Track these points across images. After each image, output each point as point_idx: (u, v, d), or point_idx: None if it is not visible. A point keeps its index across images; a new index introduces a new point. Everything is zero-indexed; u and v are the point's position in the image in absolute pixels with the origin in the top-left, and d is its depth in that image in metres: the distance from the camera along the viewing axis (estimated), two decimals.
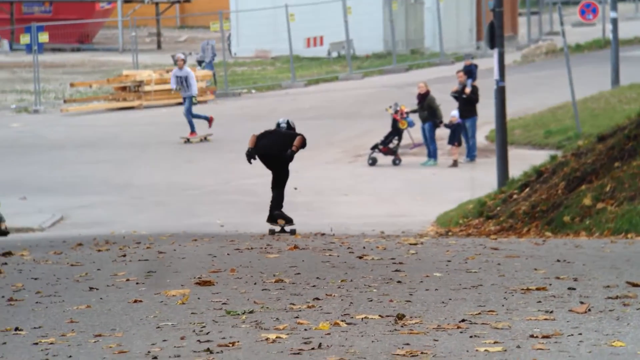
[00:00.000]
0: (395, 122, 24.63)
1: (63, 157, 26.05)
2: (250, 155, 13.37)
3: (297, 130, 14.00)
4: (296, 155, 14.05)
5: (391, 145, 24.39)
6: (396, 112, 24.66)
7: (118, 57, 43.26)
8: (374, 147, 24.45)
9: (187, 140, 27.44)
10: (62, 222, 18.80)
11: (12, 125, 30.84)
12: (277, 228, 13.57)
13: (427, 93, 24.81)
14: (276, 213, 13.49)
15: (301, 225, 14.64)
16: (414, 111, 24.81)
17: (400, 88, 34.94)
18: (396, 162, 24.32)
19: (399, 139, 24.52)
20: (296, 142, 13.41)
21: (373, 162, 24.31)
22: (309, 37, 40.48)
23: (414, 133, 25.01)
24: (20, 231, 17.43)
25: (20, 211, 18.59)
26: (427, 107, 24.61)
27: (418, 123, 24.82)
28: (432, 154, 24.44)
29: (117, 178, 23.29)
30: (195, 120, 27.85)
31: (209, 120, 27.83)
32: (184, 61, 28.19)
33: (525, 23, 46.04)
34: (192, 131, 27.64)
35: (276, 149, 13.38)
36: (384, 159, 24.42)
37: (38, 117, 32.13)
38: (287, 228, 13.55)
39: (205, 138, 27.61)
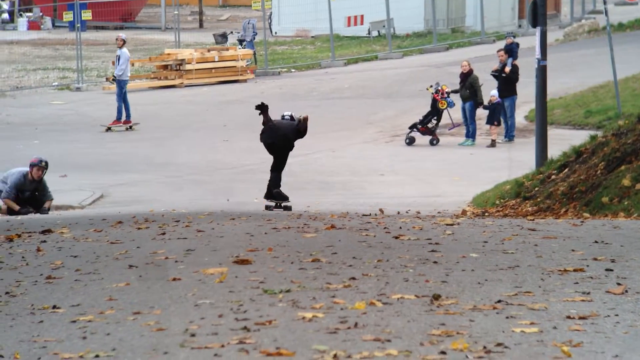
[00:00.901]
0: (434, 102, 24.54)
1: (104, 135, 26.23)
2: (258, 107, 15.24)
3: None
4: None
5: (430, 125, 24.31)
6: (437, 91, 24.56)
7: (160, 36, 43.42)
8: (412, 127, 24.39)
9: (108, 129, 26.05)
10: (102, 200, 18.95)
11: (54, 102, 31.09)
12: (273, 204, 15.06)
13: (470, 72, 24.68)
14: (275, 191, 15.00)
15: (337, 204, 14.67)
16: (455, 91, 24.70)
17: (439, 67, 34.81)
18: (433, 142, 24.24)
19: (438, 119, 24.43)
20: (301, 126, 15.08)
21: (410, 141, 24.26)
22: (349, 16, 40.38)
23: (454, 113, 24.91)
24: (60, 208, 17.60)
25: (60, 189, 18.75)
26: (469, 86, 24.50)
27: (458, 103, 24.71)
28: (471, 134, 24.35)
29: (157, 156, 23.44)
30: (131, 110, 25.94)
31: (125, 122, 26.19)
32: (124, 41, 26.80)
33: (569, 1, 45.64)
34: (117, 119, 26.26)
35: (285, 140, 14.98)
36: (422, 139, 24.36)
37: (80, 95, 32.36)
38: (283, 204, 14.98)
39: (131, 127, 26.27)
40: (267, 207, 15.05)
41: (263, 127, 15.24)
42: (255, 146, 24.88)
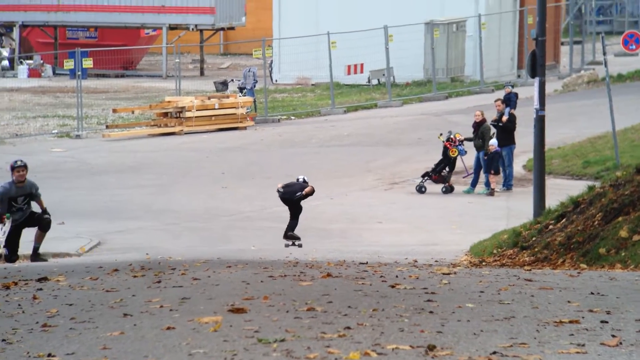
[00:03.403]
0: (446, 150, 24.55)
1: (103, 182, 26.27)
2: (280, 192, 19.59)
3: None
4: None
5: (442, 173, 24.31)
6: (448, 139, 24.58)
7: (161, 83, 43.63)
8: (425, 175, 24.36)
9: None
10: (99, 247, 18.94)
11: (54, 150, 31.16)
12: (290, 242, 19.21)
13: (483, 121, 24.74)
14: (288, 234, 19.30)
15: (334, 252, 14.65)
16: (468, 139, 24.72)
17: (438, 116, 34.94)
18: (444, 190, 24.17)
19: (451, 167, 24.41)
20: (307, 189, 19.31)
21: (422, 190, 24.21)
22: (350, 65, 40.62)
23: (468, 161, 24.89)
24: (58, 256, 17.58)
25: (58, 236, 18.75)
26: (480, 136, 24.56)
27: (472, 151, 24.70)
28: (486, 183, 24.39)
29: (156, 203, 23.46)
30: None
31: None
32: None
33: (568, 52, 45.90)
34: None
35: (290, 194, 19.37)
36: (434, 187, 24.30)
37: (80, 142, 32.45)
38: (297, 243, 19.18)
39: None
40: (286, 245, 19.07)
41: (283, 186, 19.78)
42: (254, 193, 25.02)
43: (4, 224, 16.02)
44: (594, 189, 15.26)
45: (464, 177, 25.03)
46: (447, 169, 24.35)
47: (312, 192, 19.40)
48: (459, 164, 24.71)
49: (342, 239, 19.71)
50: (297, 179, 19.77)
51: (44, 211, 16.36)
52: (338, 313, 8.00)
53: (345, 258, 14.69)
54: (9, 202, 16.11)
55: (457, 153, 24.44)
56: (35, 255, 16.43)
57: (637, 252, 12.54)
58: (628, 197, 13.73)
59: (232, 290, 9.64)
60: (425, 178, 24.28)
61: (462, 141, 24.60)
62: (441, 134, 24.95)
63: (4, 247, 16.06)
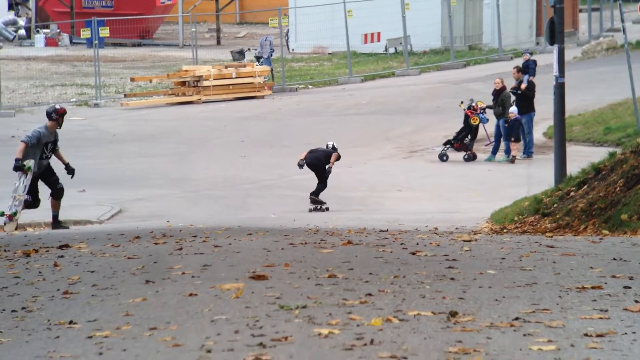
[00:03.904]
0: (467, 118, 24.44)
1: (122, 150, 26.31)
2: (300, 166, 20.05)
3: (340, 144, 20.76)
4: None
5: (465, 141, 24.22)
6: (469, 107, 24.47)
7: (178, 52, 43.57)
8: (447, 144, 24.26)
9: None
10: (120, 215, 18.98)
11: (73, 118, 31.19)
12: (313, 207, 19.46)
13: (503, 89, 24.61)
14: (313, 198, 19.52)
15: (354, 220, 14.64)
16: (489, 106, 24.60)
17: (457, 84, 34.78)
18: (466, 158, 24.10)
19: (473, 136, 24.31)
20: (332, 158, 19.75)
21: (444, 158, 24.14)
22: (366, 33, 40.45)
23: (490, 128, 24.78)
24: (79, 223, 17.62)
25: (79, 204, 18.80)
26: (500, 103, 24.44)
27: (493, 119, 24.59)
28: (506, 150, 24.31)
29: (175, 172, 23.48)
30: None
31: None
32: None
33: (586, 19, 45.59)
34: None
35: (317, 161, 19.85)
36: (456, 155, 24.23)
37: (98, 111, 32.47)
38: (323, 207, 19.50)
39: None
40: (309, 209, 19.37)
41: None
42: (273, 162, 25.00)
43: (26, 175, 16.17)
44: (615, 156, 15.17)
45: (485, 145, 24.93)
46: (469, 137, 24.25)
47: (339, 158, 19.90)
48: (481, 132, 24.60)
49: (362, 206, 19.69)
50: (327, 145, 20.08)
51: (67, 165, 16.54)
52: (359, 280, 7.99)
53: (365, 226, 14.68)
54: (42, 149, 16.30)
55: (478, 121, 24.33)
56: (56, 223, 16.52)
57: None
58: None
59: (253, 257, 9.64)
60: (447, 146, 24.19)
61: (483, 109, 24.48)
62: (462, 102, 24.83)
63: (27, 193, 16.21)
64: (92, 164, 24.38)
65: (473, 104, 24.47)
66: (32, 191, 16.36)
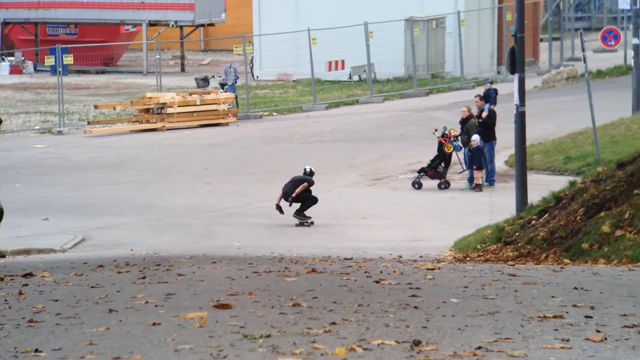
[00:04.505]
0: (441, 146, 24.58)
1: (86, 178, 26.21)
2: (278, 209, 20.72)
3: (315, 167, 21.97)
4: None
5: (438, 169, 24.33)
6: (443, 135, 24.61)
7: (142, 80, 43.53)
8: (421, 172, 24.38)
9: None
10: (83, 243, 18.91)
11: (36, 146, 31.06)
12: (298, 221, 20.56)
13: (470, 117, 24.80)
14: (295, 216, 20.59)
15: (319, 248, 14.67)
16: (458, 136, 24.76)
17: (420, 112, 34.99)
18: (441, 186, 24.20)
19: (446, 163, 24.43)
20: (298, 189, 20.60)
21: (418, 186, 24.22)
22: (331, 61, 40.63)
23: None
24: (42, 252, 17.54)
25: (42, 232, 18.72)
26: (467, 132, 24.62)
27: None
28: (469, 179, 24.46)
29: (139, 199, 23.42)
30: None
31: None
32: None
33: (547, 48, 46.05)
34: None
35: (290, 190, 20.70)
36: (430, 183, 24.33)
37: (61, 139, 32.35)
38: (307, 222, 20.52)
39: None
40: (295, 224, 20.53)
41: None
42: (237, 189, 24.99)
43: None
44: (576, 184, 15.34)
45: (459, 173, 25.07)
46: (442, 164, 24.39)
47: (308, 187, 20.60)
48: (454, 160, 24.75)
49: (327, 234, 19.74)
50: (305, 170, 21.01)
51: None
52: (323, 308, 8.02)
53: (329, 254, 14.72)
54: None
55: (452, 149, 24.49)
56: None
57: (620, 247, 12.61)
58: (609, 192, 13.81)
59: (217, 286, 9.65)
60: (422, 174, 24.32)
61: (457, 137, 24.65)
62: (436, 130, 24.99)
63: None
64: (55, 192, 24.28)
65: (446, 132, 24.63)
66: None
